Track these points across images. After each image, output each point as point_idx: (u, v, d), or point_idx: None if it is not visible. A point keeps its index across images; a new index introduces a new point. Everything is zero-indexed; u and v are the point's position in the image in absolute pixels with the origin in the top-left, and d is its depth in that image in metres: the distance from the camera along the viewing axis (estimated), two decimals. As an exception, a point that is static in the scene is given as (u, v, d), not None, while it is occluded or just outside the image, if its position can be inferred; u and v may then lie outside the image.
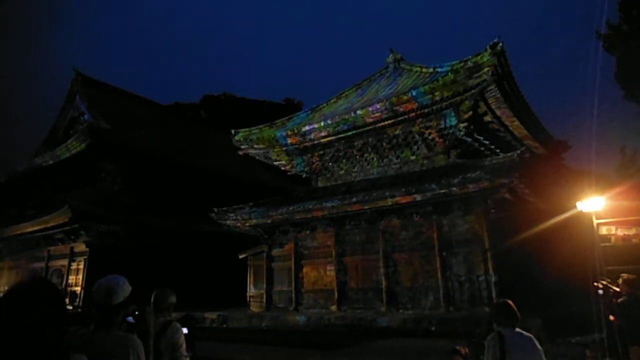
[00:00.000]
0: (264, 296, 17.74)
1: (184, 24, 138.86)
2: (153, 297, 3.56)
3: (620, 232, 8.46)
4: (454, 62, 14.80)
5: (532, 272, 12.95)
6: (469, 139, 15.95)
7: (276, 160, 20.20)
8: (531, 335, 3.34)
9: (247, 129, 19.55)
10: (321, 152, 18.81)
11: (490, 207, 13.38)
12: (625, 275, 6.07)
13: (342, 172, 18.47)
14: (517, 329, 3.33)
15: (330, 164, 18.80)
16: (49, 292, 1.54)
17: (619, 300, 5.86)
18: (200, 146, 27.46)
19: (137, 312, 2.46)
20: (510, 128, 15.97)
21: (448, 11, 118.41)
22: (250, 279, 19.01)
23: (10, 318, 1.43)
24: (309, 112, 19.76)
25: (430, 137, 16.16)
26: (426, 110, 15.27)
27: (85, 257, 19.75)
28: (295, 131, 18.02)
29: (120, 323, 2.31)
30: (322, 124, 17.26)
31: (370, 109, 15.95)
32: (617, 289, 5.94)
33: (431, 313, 13.32)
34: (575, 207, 7.72)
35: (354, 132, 17.09)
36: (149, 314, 2.55)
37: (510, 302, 3.47)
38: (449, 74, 14.24)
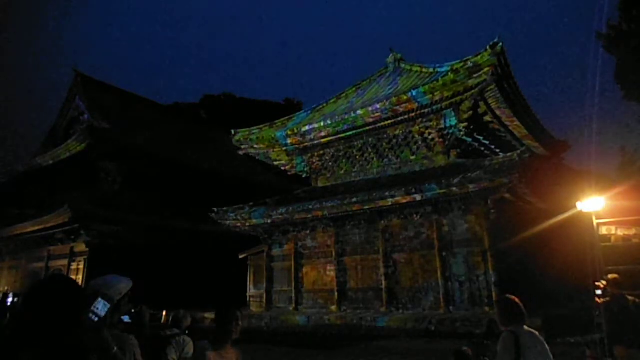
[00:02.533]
0: (264, 296, 17.75)
1: (184, 24, 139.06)
2: (172, 317, 4.07)
3: (620, 232, 8.46)
4: (454, 62, 14.78)
5: (532, 272, 12.95)
6: (469, 139, 15.94)
7: (276, 160, 20.20)
8: (537, 332, 3.20)
9: (247, 129, 19.54)
10: (321, 152, 18.80)
11: (490, 207, 13.35)
12: (610, 276, 6.08)
13: (342, 172, 18.46)
14: (525, 327, 3.17)
15: (330, 164, 18.79)
16: (68, 290, 1.58)
17: (604, 300, 5.89)
18: (200, 146, 27.43)
19: (133, 311, 2.45)
20: (510, 128, 15.96)
21: (448, 11, 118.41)
22: (250, 279, 19.02)
23: (30, 314, 1.47)
24: (309, 112, 19.75)
25: (430, 137, 16.15)
26: (426, 110, 15.26)
27: (85, 257, 19.77)
28: (295, 131, 18.01)
29: (116, 323, 2.30)
30: (322, 124, 17.25)
31: (370, 109, 15.93)
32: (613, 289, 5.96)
33: (431, 313, 13.32)
34: (575, 207, 7.71)
35: (354, 132, 17.08)
36: (145, 312, 2.55)
37: (515, 298, 3.27)
38: (449, 74, 14.22)
